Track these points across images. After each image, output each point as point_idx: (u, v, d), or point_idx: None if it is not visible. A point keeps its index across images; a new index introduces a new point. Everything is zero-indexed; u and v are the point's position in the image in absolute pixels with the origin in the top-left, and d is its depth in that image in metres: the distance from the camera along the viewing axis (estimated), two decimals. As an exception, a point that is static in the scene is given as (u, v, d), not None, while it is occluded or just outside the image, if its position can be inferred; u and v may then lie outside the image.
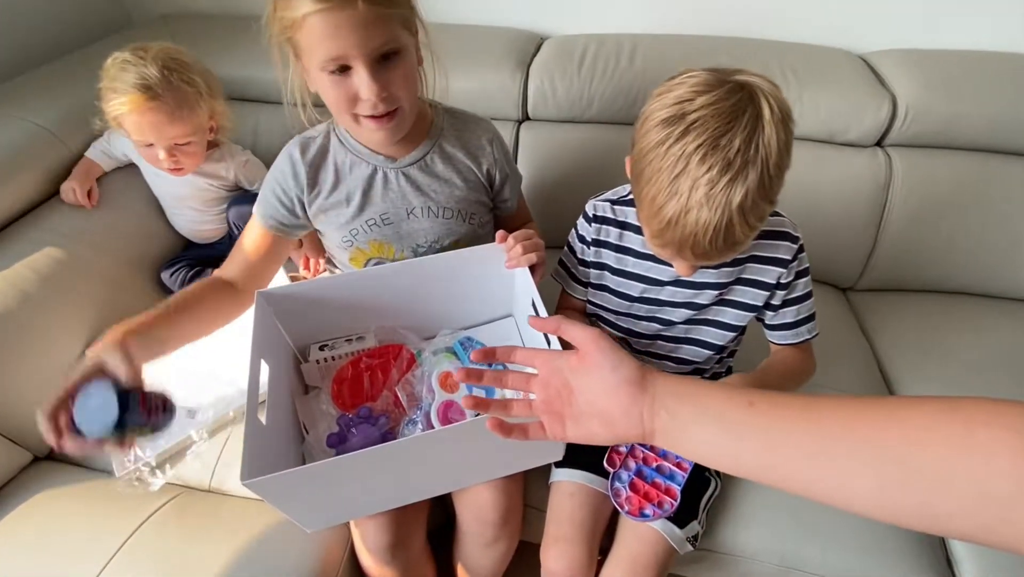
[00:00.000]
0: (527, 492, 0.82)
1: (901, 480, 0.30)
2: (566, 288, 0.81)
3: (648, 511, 0.70)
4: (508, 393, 0.61)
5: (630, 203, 0.72)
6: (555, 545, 0.73)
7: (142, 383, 0.56)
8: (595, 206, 0.73)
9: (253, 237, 0.75)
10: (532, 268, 0.70)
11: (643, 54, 1.09)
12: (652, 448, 0.76)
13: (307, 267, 1.04)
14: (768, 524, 0.78)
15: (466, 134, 0.78)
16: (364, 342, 0.77)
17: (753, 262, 0.68)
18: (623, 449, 0.76)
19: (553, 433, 0.42)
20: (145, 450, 0.78)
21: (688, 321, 0.73)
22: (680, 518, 0.71)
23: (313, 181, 0.73)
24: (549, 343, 0.66)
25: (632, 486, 0.73)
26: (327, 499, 0.62)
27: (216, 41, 1.21)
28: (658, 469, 0.74)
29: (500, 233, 0.71)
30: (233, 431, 0.84)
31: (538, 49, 1.17)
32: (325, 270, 0.99)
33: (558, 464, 0.78)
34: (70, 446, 0.52)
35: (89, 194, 1.00)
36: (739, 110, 0.51)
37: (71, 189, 0.98)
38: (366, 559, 0.74)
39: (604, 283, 0.76)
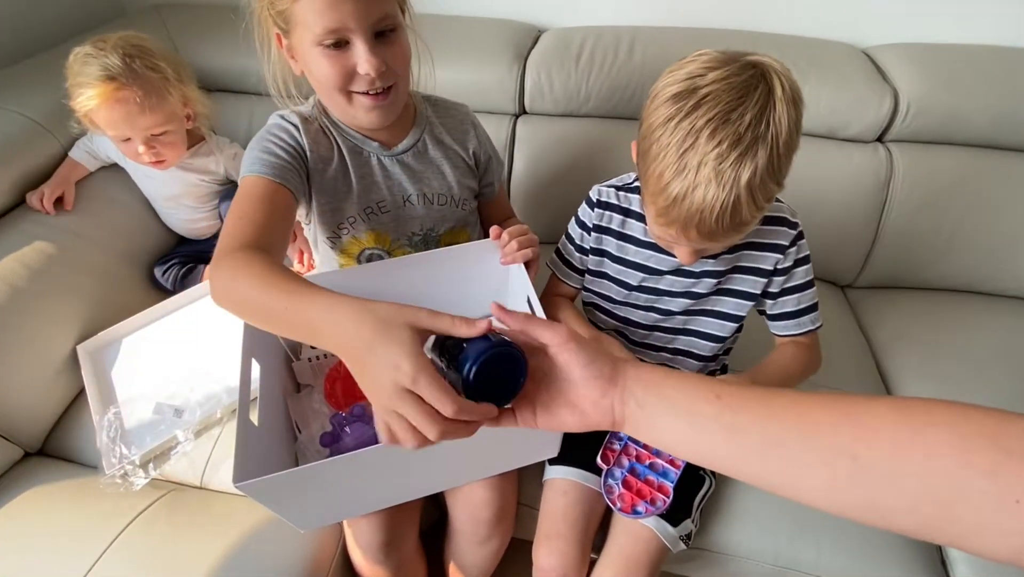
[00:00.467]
0: (520, 490, 0.81)
1: (850, 476, 0.31)
2: (558, 274, 0.80)
3: (640, 508, 0.70)
4: None
5: (635, 190, 0.71)
6: (547, 542, 0.72)
7: None
8: (600, 191, 0.73)
9: (255, 195, 0.60)
10: (527, 264, 0.69)
11: (642, 47, 1.08)
12: (646, 446, 0.76)
13: (301, 261, 1.03)
14: (762, 523, 0.77)
15: (448, 119, 0.78)
16: (357, 339, 0.77)
17: (750, 249, 0.67)
18: (617, 447, 0.75)
19: (524, 421, 0.41)
20: (130, 448, 0.78)
21: (687, 312, 0.73)
22: (673, 516, 0.71)
23: (315, 152, 0.68)
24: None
25: (625, 483, 0.72)
26: (320, 500, 0.62)
27: (209, 31, 1.19)
28: (651, 466, 0.74)
29: (494, 229, 0.70)
30: (224, 428, 0.83)
31: (536, 42, 1.16)
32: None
33: (552, 461, 0.78)
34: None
35: (62, 199, 0.96)
36: (751, 86, 0.50)
37: (40, 194, 0.94)
38: (358, 557, 0.73)
39: (604, 270, 0.75)
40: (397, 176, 0.74)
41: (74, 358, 0.89)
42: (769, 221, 0.66)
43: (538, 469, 0.80)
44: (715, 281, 0.69)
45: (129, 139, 0.91)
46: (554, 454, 0.74)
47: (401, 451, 0.56)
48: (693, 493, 0.74)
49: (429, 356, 0.39)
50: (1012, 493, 0.26)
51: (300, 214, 0.74)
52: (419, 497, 0.70)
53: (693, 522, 0.73)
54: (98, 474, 0.77)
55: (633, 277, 0.73)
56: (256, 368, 0.63)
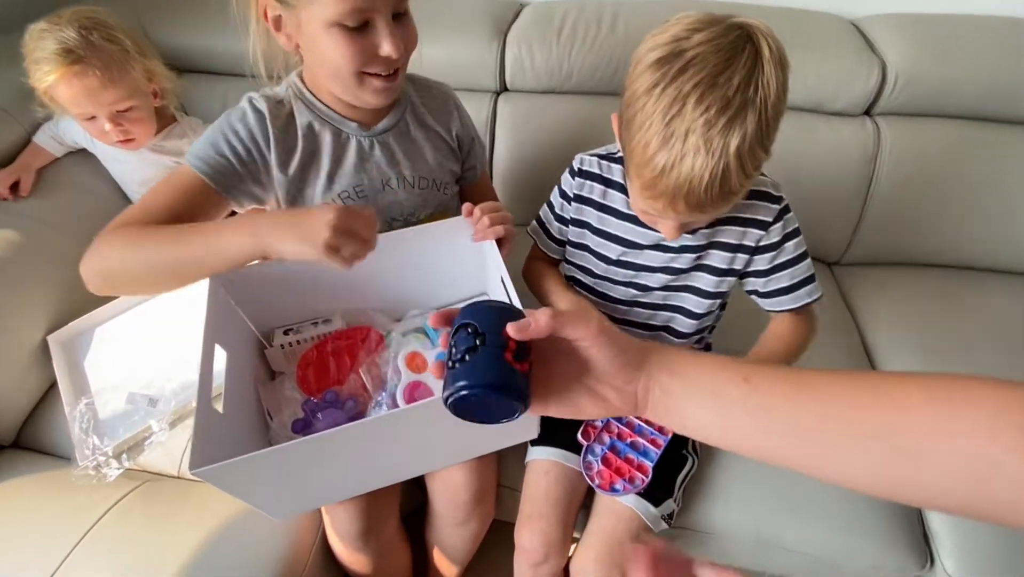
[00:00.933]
0: (502, 472, 0.81)
1: (884, 458, 0.31)
2: (538, 242, 0.79)
3: (619, 485, 0.69)
4: None
5: (619, 160, 0.69)
6: (529, 523, 0.72)
7: None
8: (582, 160, 0.71)
9: (179, 185, 0.62)
10: (500, 242, 0.68)
11: (625, 20, 1.05)
12: (628, 424, 0.75)
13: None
14: (745, 501, 0.77)
15: (430, 99, 0.76)
16: (331, 325, 0.75)
17: (730, 224, 0.65)
18: (598, 423, 0.75)
19: (536, 410, 0.40)
20: (103, 439, 0.76)
21: (666, 287, 0.71)
22: (655, 496, 0.70)
23: (281, 142, 0.67)
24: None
25: (604, 460, 0.72)
26: (290, 486, 0.60)
27: (179, 10, 1.15)
28: (632, 445, 0.73)
29: (466, 206, 0.68)
30: (201, 416, 0.82)
31: (516, 15, 1.12)
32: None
33: (533, 442, 0.77)
34: None
35: (18, 185, 0.93)
36: (738, 47, 0.48)
37: None
38: (338, 545, 0.73)
39: (585, 242, 0.73)
40: (376, 159, 0.72)
41: (45, 349, 0.87)
42: (751, 195, 0.64)
43: (521, 451, 0.79)
44: (694, 256, 0.68)
45: (94, 117, 0.88)
46: (534, 436, 0.73)
47: (367, 433, 0.55)
48: (675, 472, 0.74)
49: (441, 330, 0.40)
50: None
51: (271, 206, 0.71)
52: (396, 482, 0.69)
53: (675, 501, 0.72)
54: (71, 466, 0.76)
55: (612, 251, 0.71)
56: (221, 356, 0.61)
